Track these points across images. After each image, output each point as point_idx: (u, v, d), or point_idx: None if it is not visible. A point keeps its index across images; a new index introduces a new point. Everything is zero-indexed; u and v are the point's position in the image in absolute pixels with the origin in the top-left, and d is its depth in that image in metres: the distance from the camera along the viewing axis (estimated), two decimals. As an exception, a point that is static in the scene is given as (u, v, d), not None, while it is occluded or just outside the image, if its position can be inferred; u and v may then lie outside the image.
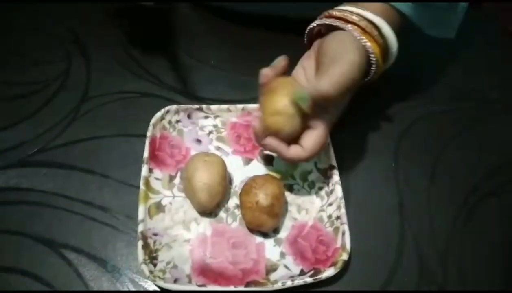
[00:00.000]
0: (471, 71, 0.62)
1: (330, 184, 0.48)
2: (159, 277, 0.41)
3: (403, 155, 0.53)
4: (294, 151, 0.43)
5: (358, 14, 0.45)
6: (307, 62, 0.47)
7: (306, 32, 0.49)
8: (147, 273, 0.41)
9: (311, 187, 0.49)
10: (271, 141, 0.43)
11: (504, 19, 0.69)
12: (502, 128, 0.57)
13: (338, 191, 0.46)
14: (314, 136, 0.43)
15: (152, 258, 0.43)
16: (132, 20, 0.62)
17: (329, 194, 0.48)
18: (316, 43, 0.47)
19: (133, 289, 0.43)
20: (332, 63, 0.41)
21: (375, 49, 0.45)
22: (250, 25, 0.62)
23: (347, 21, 0.45)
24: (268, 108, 0.43)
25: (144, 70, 0.58)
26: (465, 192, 0.51)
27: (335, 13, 0.46)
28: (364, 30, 0.44)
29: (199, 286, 0.41)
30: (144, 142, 0.49)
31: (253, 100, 0.53)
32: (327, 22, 0.46)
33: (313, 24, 0.47)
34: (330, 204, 0.47)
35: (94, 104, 0.54)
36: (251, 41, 0.61)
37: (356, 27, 0.44)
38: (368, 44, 0.44)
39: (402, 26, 0.47)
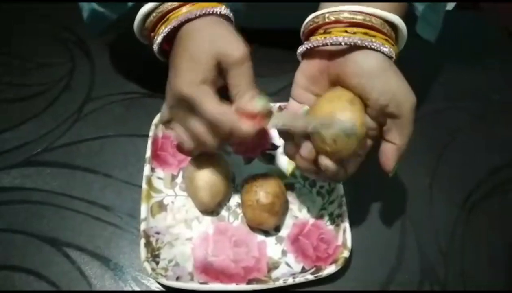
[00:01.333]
0: (471, 71, 0.62)
1: (331, 183, 0.48)
2: (161, 275, 0.41)
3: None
4: (342, 174, 0.38)
5: (378, 17, 0.37)
6: (315, 88, 0.40)
7: (314, 45, 0.38)
8: (149, 270, 0.41)
9: (312, 186, 0.49)
10: (329, 163, 0.37)
11: (504, 19, 0.69)
12: (502, 128, 0.57)
13: (339, 189, 0.47)
14: (358, 163, 0.39)
15: (154, 256, 0.43)
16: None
17: (330, 192, 0.48)
18: (322, 64, 0.39)
19: (135, 286, 0.43)
20: (403, 119, 0.37)
21: (396, 54, 0.38)
22: (251, 28, 0.62)
23: (369, 27, 0.37)
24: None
25: (146, 70, 0.58)
26: (466, 191, 0.51)
27: (345, 16, 0.37)
28: (386, 36, 0.38)
29: (201, 283, 0.41)
30: (146, 142, 0.49)
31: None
32: (354, 42, 0.36)
33: (336, 40, 0.37)
34: (331, 202, 0.47)
35: (97, 104, 0.55)
36: (253, 42, 0.62)
37: (382, 36, 0.37)
38: (394, 57, 0.38)
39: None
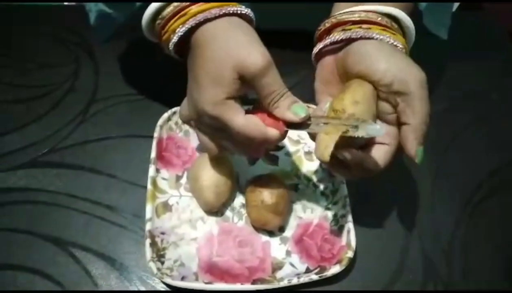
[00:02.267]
0: (471, 71, 0.62)
1: (335, 183, 0.49)
2: (166, 275, 0.42)
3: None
4: (372, 164, 0.37)
5: (374, 12, 0.40)
6: (331, 89, 0.41)
7: (319, 48, 0.42)
8: (155, 270, 0.41)
9: (316, 186, 0.50)
10: (356, 152, 0.36)
11: (504, 20, 0.69)
12: (503, 128, 0.57)
13: (343, 190, 0.47)
14: (389, 152, 0.38)
15: (159, 256, 0.43)
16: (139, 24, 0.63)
17: (334, 193, 0.48)
18: (331, 65, 0.41)
19: (141, 286, 0.43)
20: (412, 96, 0.36)
21: (404, 45, 0.40)
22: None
23: (364, 22, 0.39)
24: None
25: (151, 72, 0.59)
26: (468, 191, 0.51)
27: (343, 17, 0.40)
28: (384, 26, 0.39)
29: (206, 283, 0.42)
30: (151, 143, 0.49)
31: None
32: (348, 36, 0.39)
33: (333, 39, 0.40)
34: (335, 203, 0.47)
35: (102, 106, 0.55)
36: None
37: (378, 27, 0.39)
38: (401, 47, 0.39)
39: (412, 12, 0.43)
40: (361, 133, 0.35)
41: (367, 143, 0.38)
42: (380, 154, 0.38)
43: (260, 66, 0.36)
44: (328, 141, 0.35)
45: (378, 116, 0.39)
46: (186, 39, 0.40)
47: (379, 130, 0.35)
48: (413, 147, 0.37)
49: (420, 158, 0.37)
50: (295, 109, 0.37)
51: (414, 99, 0.36)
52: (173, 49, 0.41)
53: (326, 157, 0.34)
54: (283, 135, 0.39)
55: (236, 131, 0.37)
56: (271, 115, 0.38)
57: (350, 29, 0.39)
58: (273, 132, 0.38)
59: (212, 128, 0.40)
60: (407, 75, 0.37)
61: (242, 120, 0.37)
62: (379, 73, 0.37)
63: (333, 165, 0.38)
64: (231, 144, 0.40)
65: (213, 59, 0.37)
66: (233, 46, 0.37)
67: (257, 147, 0.40)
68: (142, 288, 0.43)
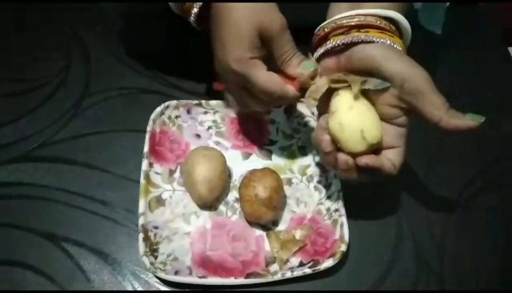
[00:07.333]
0: (467, 69, 0.62)
1: (329, 178, 0.49)
2: (160, 269, 0.42)
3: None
4: (388, 166, 0.39)
5: (373, 15, 0.40)
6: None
7: (320, 53, 0.42)
8: (148, 265, 0.41)
9: (310, 181, 0.50)
10: (370, 159, 0.38)
11: (499, 16, 0.70)
12: (497, 125, 0.57)
13: (337, 184, 0.47)
14: (402, 153, 0.40)
15: (152, 250, 0.43)
16: (132, 18, 0.63)
17: (327, 187, 0.48)
18: (332, 67, 0.42)
19: (134, 281, 0.43)
20: (427, 93, 0.38)
21: (402, 46, 0.41)
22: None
23: (363, 26, 0.40)
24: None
25: (143, 66, 0.58)
26: (461, 186, 0.51)
27: (342, 22, 0.40)
28: (382, 29, 0.40)
29: (199, 277, 0.42)
30: (144, 137, 0.49)
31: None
32: (347, 41, 0.39)
33: (334, 44, 0.40)
34: (329, 197, 0.48)
35: (95, 100, 0.55)
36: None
37: (376, 30, 0.40)
38: (400, 49, 0.40)
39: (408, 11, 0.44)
40: (368, 85, 0.39)
41: (378, 149, 0.39)
42: (394, 156, 0.39)
43: (279, 27, 0.40)
44: (319, 86, 0.41)
45: (387, 121, 0.40)
46: (206, 11, 0.43)
47: (384, 83, 0.38)
48: (465, 122, 0.37)
49: (477, 117, 0.38)
50: (305, 65, 0.41)
51: (431, 94, 0.38)
52: (194, 19, 0.44)
53: (313, 100, 0.41)
54: (299, 93, 0.42)
55: (257, 85, 0.40)
56: (286, 76, 0.42)
57: (349, 33, 0.40)
58: (291, 88, 0.41)
59: (236, 85, 0.43)
60: (414, 74, 0.38)
61: (263, 76, 0.40)
62: (389, 76, 0.38)
63: (347, 171, 0.40)
64: (253, 101, 0.43)
65: (237, 20, 0.40)
66: (254, 8, 0.40)
67: (276, 102, 0.44)
68: (135, 283, 0.43)
